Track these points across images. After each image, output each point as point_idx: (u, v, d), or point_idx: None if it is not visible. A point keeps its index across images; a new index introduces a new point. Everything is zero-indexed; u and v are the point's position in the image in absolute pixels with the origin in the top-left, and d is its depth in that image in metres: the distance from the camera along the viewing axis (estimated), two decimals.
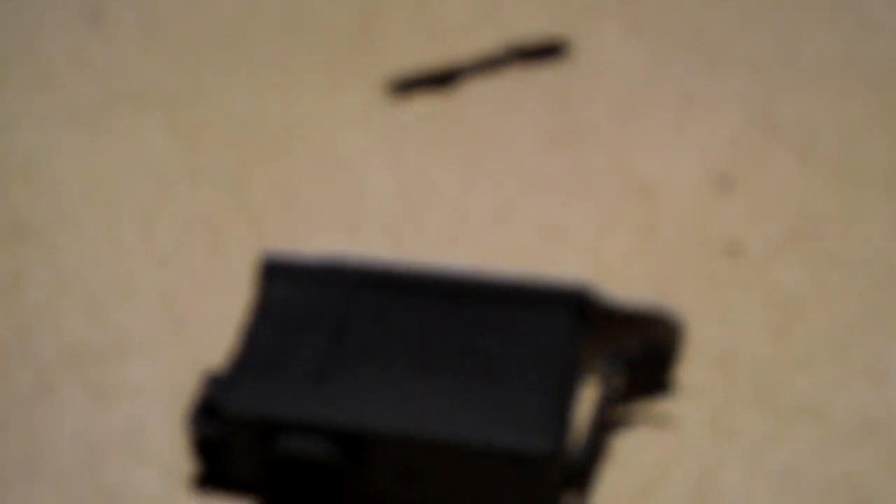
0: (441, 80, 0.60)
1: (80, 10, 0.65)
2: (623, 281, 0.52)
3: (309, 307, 0.45)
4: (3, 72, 0.62)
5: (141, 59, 0.62)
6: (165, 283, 0.52)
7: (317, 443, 0.42)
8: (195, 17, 0.65)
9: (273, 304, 0.46)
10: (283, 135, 0.58)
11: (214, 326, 0.50)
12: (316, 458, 0.42)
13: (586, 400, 0.47)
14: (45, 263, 0.52)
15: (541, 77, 0.61)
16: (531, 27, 0.64)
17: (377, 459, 0.43)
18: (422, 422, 0.42)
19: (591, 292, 0.45)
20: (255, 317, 0.45)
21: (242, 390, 0.43)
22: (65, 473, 0.45)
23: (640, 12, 0.65)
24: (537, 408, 0.42)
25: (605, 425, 0.45)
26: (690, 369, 0.48)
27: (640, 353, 0.45)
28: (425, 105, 0.60)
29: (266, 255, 0.47)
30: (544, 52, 0.61)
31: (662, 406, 0.47)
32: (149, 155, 0.57)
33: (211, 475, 0.45)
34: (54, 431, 0.47)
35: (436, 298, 0.45)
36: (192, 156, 0.57)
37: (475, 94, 0.60)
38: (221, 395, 0.43)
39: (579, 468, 0.43)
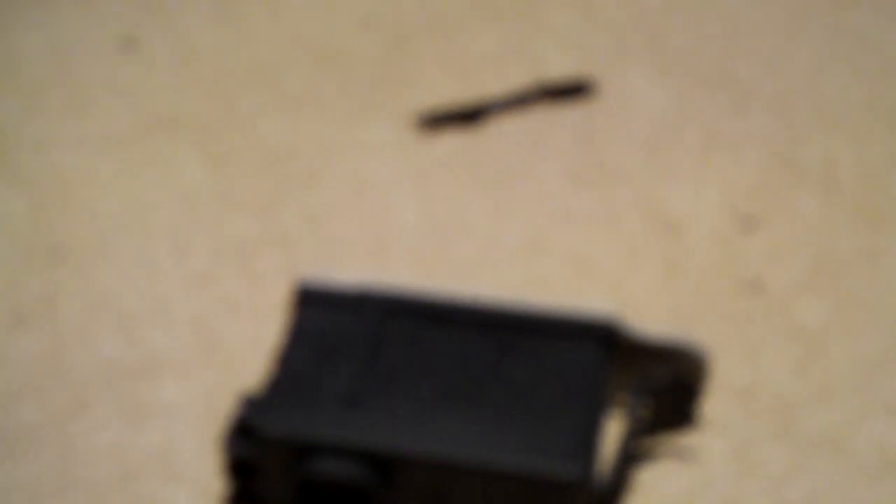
0: (469, 115, 0.61)
1: (115, 38, 0.66)
2: (646, 315, 0.52)
3: (342, 333, 0.46)
4: (40, 97, 0.63)
5: (175, 88, 0.63)
6: (198, 306, 0.52)
7: (349, 465, 0.43)
8: (228, 47, 0.66)
9: (307, 330, 0.46)
10: (313, 164, 0.59)
11: (245, 349, 0.51)
12: (348, 481, 0.43)
13: (612, 431, 0.47)
14: (79, 284, 0.53)
15: (568, 115, 0.62)
16: (558, 66, 0.65)
17: (407, 483, 0.43)
18: (452, 446, 0.43)
19: (619, 325, 0.46)
20: (289, 341, 0.46)
21: (277, 412, 0.44)
22: (97, 490, 0.46)
23: (666, 53, 0.66)
24: (565, 436, 0.43)
25: (631, 456, 0.45)
26: (714, 403, 0.49)
27: (666, 385, 0.46)
28: (453, 140, 0.61)
29: (301, 282, 0.47)
30: (571, 90, 0.62)
31: (686, 438, 0.48)
32: (182, 180, 0.58)
33: (243, 496, 0.46)
34: (88, 448, 0.47)
35: (467, 327, 0.46)
36: (224, 182, 0.58)
37: (502, 130, 0.61)
38: (256, 416, 0.44)
39: (605, 497, 0.43)
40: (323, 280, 0.48)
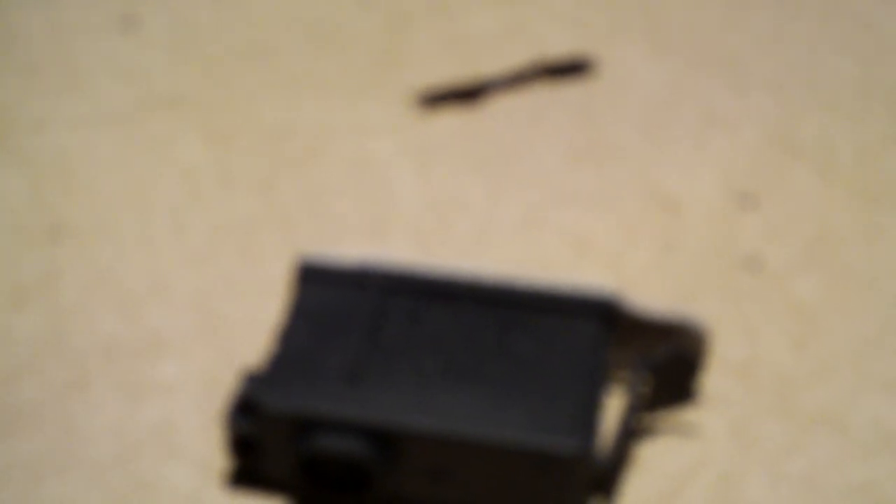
0: (468, 94, 0.61)
1: (115, 16, 0.66)
2: (645, 292, 0.53)
3: (343, 309, 0.46)
4: (39, 76, 0.63)
5: (174, 66, 0.63)
6: (197, 284, 0.53)
7: (350, 441, 0.43)
8: (228, 27, 0.66)
9: (308, 306, 0.46)
10: (312, 142, 0.59)
11: (244, 326, 0.51)
12: (349, 456, 0.43)
13: (612, 407, 0.48)
14: (80, 262, 0.53)
15: (566, 93, 0.62)
16: (557, 44, 0.65)
17: (409, 458, 0.44)
18: (454, 421, 0.43)
19: (619, 300, 0.46)
20: (290, 317, 0.46)
21: (278, 388, 0.44)
22: (98, 467, 0.46)
23: (664, 32, 0.66)
24: (567, 411, 0.43)
25: (631, 432, 0.46)
26: (713, 379, 0.49)
27: (666, 361, 0.46)
28: (452, 118, 0.61)
29: (302, 258, 0.48)
30: (570, 68, 0.62)
31: (686, 414, 0.48)
32: (182, 158, 0.58)
33: (244, 472, 0.46)
34: (89, 426, 0.48)
35: (467, 302, 0.46)
36: (223, 161, 0.58)
37: (501, 108, 0.61)
38: (257, 392, 0.44)
39: (606, 472, 0.44)
40: (324, 256, 0.48)
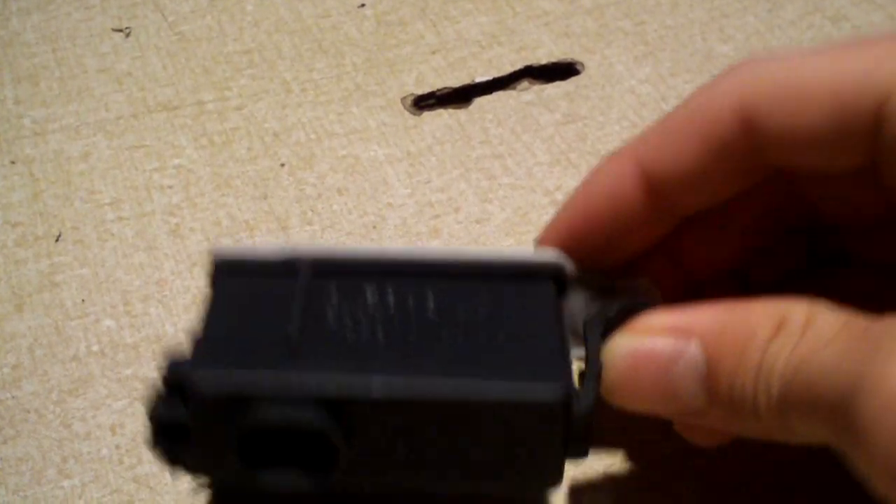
0: (458, 97, 0.62)
1: (111, 23, 0.67)
2: None
3: (272, 296, 0.41)
4: (38, 83, 0.63)
5: (170, 72, 0.64)
6: (194, 284, 0.53)
7: (302, 411, 0.37)
8: (222, 33, 0.67)
9: (231, 299, 0.41)
10: (306, 146, 0.60)
11: None
12: (304, 427, 0.38)
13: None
14: (79, 265, 0.54)
15: (554, 96, 0.63)
16: (545, 49, 0.65)
17: (370, 426, 0.39)
18: (415, 380, 0.38)
19: (566, 262, 0.43)
20: (211, 310, 0.41)
21: (209, 366, 0.38)
22: (98, 467, 0.47)
23: (649, 36, 0.67)
24: (538, 361, 0.39)
25: (597, 377, 0.41)
26: None
27: (618, 315, 0.42)
28: (443, 121, 0.61)
29: (216, 252, 0.43)
30: (557, 73, 0.63)
31: None
32: (178, 162, 0.59)
33: (174, 463, 0.40)
34: (89, 424, 0.48)
35: (411, 278, 0.42)
36: (219, 164, 0.59)
37: (491, 111, 0.62)
38: (187, 372, 0.38)
39: (584, 421, 0.40)
40: (239, 248, 0.43)
